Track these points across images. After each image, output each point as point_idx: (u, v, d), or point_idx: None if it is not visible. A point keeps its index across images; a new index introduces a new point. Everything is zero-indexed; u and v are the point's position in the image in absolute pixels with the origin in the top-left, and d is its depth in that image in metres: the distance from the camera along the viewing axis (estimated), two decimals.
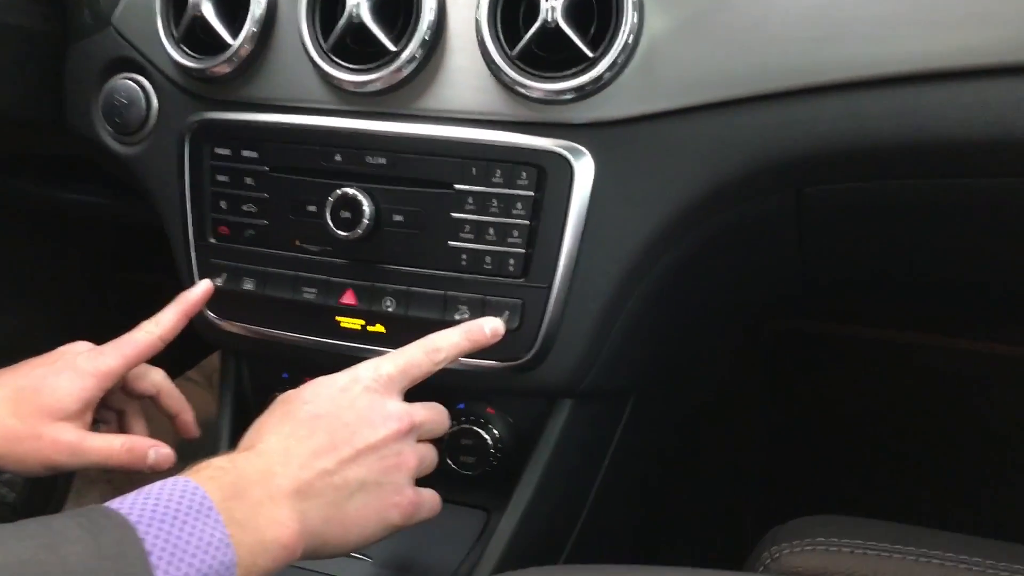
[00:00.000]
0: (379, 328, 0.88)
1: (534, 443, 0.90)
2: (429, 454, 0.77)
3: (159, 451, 0.83)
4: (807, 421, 1.44)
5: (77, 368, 0.83)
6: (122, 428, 0.90)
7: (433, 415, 0.78)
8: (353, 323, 0.89)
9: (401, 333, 0.87)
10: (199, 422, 1.10)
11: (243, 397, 1.02)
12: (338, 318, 0.89)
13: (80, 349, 0.86)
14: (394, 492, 0.73)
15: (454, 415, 0.91)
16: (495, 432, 0.91)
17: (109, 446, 0.81)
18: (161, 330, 0.88)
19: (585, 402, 0.90)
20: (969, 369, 1.33)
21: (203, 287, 0.92)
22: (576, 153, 0.81)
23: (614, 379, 0.91)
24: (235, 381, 1.01)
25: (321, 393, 0.75)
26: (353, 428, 0.72)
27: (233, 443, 0.99)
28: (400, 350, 0.77)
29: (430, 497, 0.77)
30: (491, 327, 0.82)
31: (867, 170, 0.78)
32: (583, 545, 0.97)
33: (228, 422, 1.00)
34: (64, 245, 1.49)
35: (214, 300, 0.94)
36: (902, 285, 1.05)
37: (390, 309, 0.87)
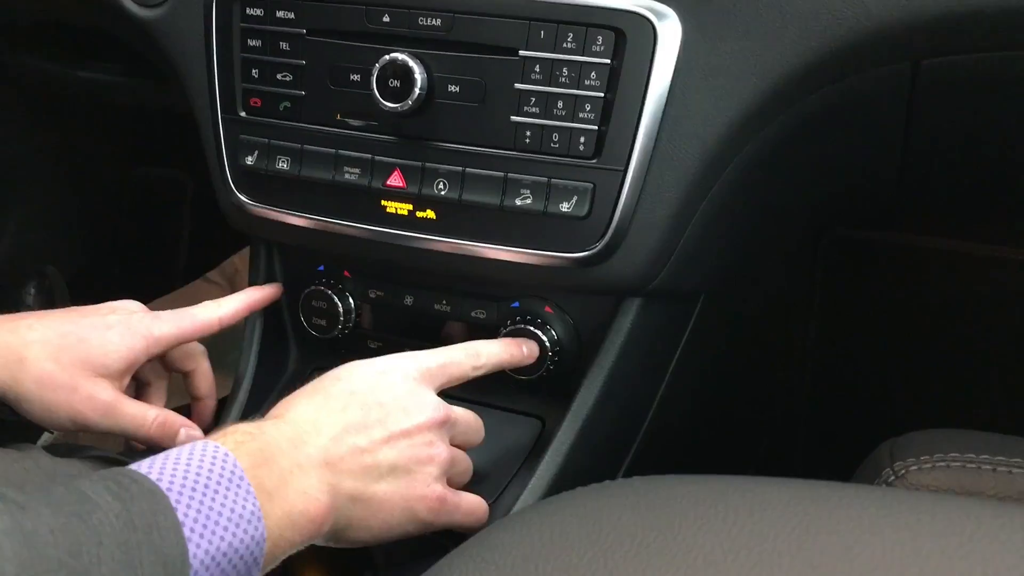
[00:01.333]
0: (429, 214, 0.80)
1: (596, 347, 0.82)
2: (463, 460, 0.74)
3: (190, 432, 0.78)
4: (863, 332, 1.36)
5: (130, 326, 0.78)
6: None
7: (469, 419, 0.75)
8: (400, 207, 0.80)
9: (454, 220, 0.80)
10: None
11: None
12: (384, 202, 0.81)
13: (133, 308, 0.82)
14: (423, 485, 0.69)
15: (508, 314, 0.83)
16: (553, 333, 0.83)
17: (143, 415, 0.77)
18: (222, 313, 0.84)
19: (654, 302, 0.82)
20: None
21: (273, 288, 0.90)
22: (660, 15, 0.72)
23: (687, 277, 0.82)
24: (266, 275, 0.93)
25: (356, 372, 0.71)
26: (388, 409, 0.69)
27: (263, 346, 0.93)
28: (442, 348, 0.75)
29: (469, 503, 0.73)
30: (528, 347, 0.81)
31: (998, 36, 0.67)
32: (643, 458, 0.89)
33: (259, 321, 0.92)
34: (80, 134, 1.42)
35: (245, 181, 0.85)
36: (1000, 187, 0.95)
37: (442, 192, 0.78)
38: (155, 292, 1.40)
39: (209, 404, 0.87)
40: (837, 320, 1.35)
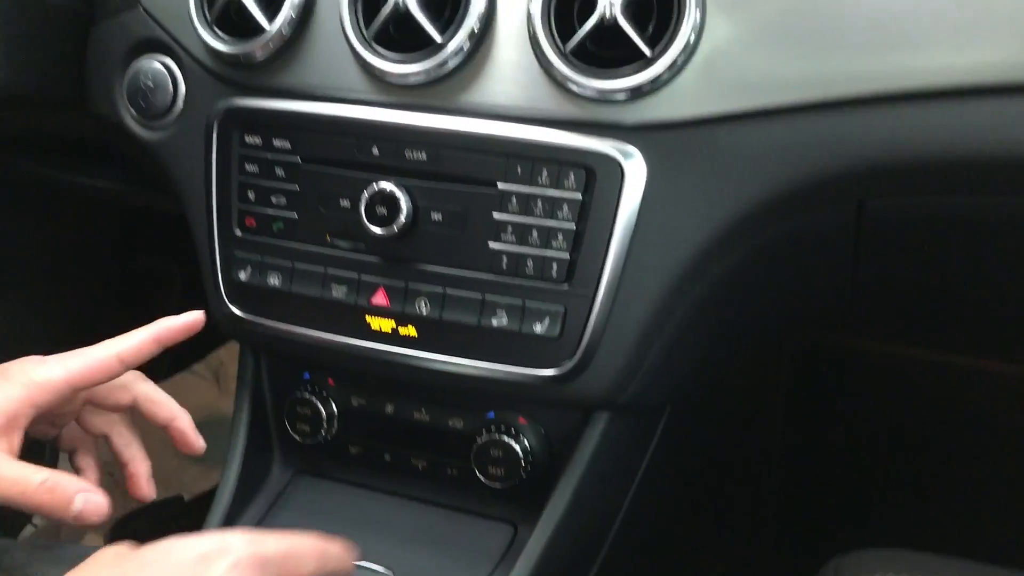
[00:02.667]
0: (411, 331, 0.84)
1: (567, 456, 0.86)
2: None
3: (89, 499, 0.66)
4: (828, 440, 1.40)
5: (5, 374, 0.69)
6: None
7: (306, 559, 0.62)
8: (384, 324, 0.85)
9: (434, 336, 0.84)
10: (206, 419, 1.06)
11: (260, 397, 0.98)
12: (368, 318, 0.85)
13: (31, 361, 0.72)
14: None
15: (484, 424, 0.88)
16: (526, 443, 0.87)
17: (25, 479, 0.65)
18: (121, 350, 0.73)
19: (622, 415, 0.87)
20: (1004, 392, 1.29)
21: (189, 317, 0.76)
22: (627, 155, 0.78)
23: (653, 392, 0.87)
24: (253, 380, 0.97)
25: (172, 558, 0.58)
26: None
27: (250, 445, 0.96)
28: (292, 537, 0.63)
29: None
30: None
31: (939, 184, 0.74)
32: (610, 565, 0.93)
33: (245, 424, 0.96)
34: (63, 228, 1.44)
35: (238, 294, 0.90)
36: (953, 306, 1.02)
37: (424, 312, 0.83)
38: None
39: (179, 425, 0.77)
40: (803, 428, 1.39)
